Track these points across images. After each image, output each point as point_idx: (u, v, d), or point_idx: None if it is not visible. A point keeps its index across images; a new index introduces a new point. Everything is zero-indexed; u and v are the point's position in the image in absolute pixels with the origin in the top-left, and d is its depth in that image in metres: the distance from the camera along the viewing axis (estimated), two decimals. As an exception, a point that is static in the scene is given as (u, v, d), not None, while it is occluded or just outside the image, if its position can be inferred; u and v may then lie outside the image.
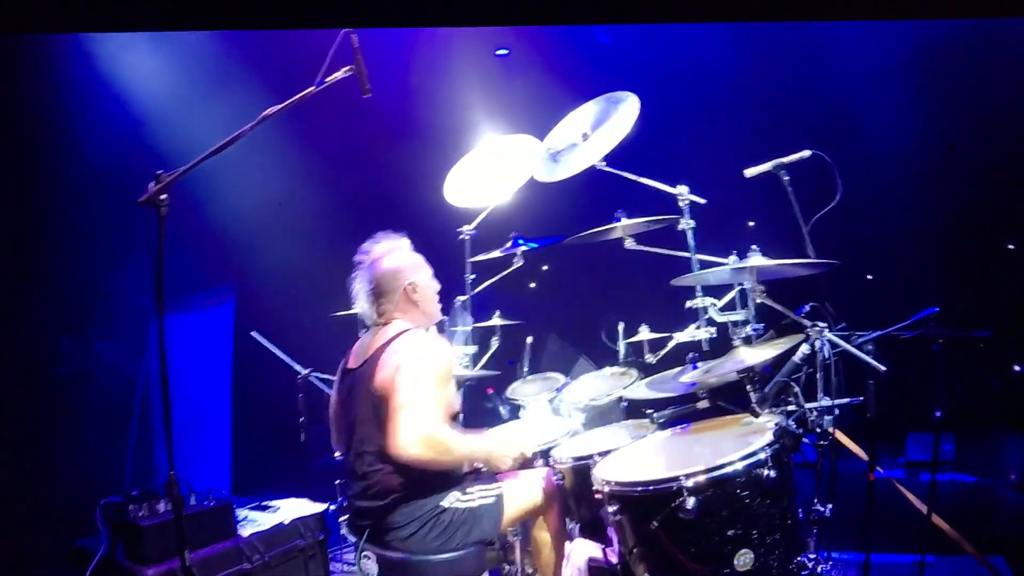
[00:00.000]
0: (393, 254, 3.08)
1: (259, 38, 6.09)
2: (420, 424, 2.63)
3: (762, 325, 3.11)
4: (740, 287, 3.24)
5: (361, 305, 3.07)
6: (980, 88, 5.98)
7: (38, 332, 6.22)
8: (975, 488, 5.62)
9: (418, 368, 2.74)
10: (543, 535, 3.09)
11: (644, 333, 3.75)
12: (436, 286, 3.19)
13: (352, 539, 3.89)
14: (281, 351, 4.85)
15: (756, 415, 2.48)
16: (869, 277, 6.92)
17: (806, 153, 3.35)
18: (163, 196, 2.41)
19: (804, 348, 2.36)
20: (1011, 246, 6.83)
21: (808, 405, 2.44)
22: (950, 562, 3.90)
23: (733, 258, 3.03)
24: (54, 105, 5.95)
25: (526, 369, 4.28)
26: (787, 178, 3.36)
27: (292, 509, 3.80)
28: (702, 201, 3.48)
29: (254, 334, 4.96)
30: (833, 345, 2.59)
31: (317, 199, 6.62)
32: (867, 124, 6.22)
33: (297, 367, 4.70)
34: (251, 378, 6.26)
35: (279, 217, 6.42)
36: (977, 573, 3.76)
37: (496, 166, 4.06)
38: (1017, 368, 6.77)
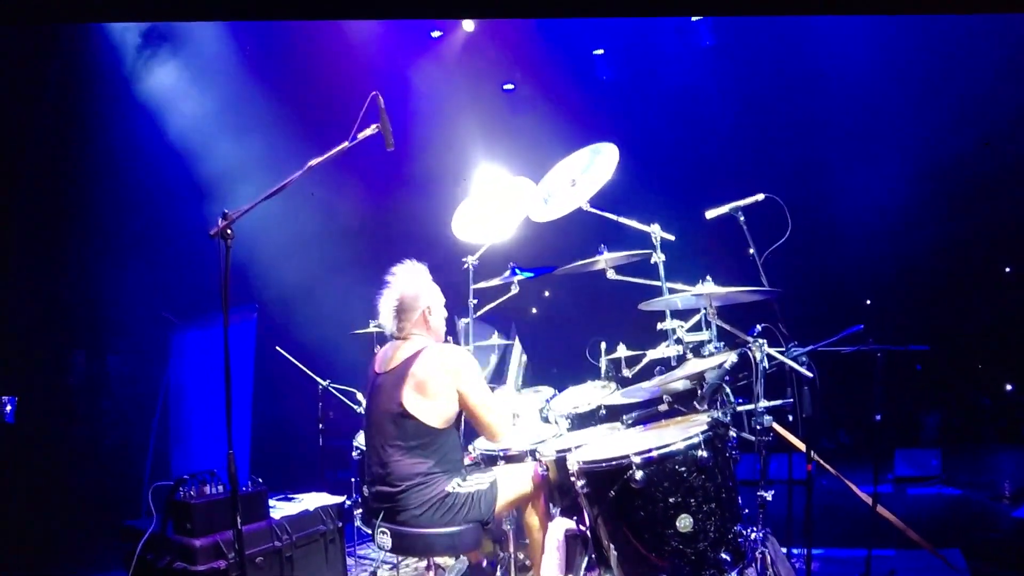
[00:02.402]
0: (417, 280, 3.67)
1: (295, 87, 6.78)
2: (502, 415, 3.47)
3: (722, 343, 3.68)
4: (705, 311, 3.81)
5: (384, 318, 3.66)
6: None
7: (53, 345, 6.74)
8: (959, 500, 5.98)
9: (472, 374, 3.43)
10: (532, 520, 3.59)
11: (622, 351, 4.24)
12: (445, 314, 3.79)
13: (367, 531, 4.43)
14: (302, 365, 5.40)
15: (699, 412, 3.07)
16: (868, 302, 7.50)
17: (760, 196, 3.92)
18: (229, 231, 2.97)
19: (732, 358, 2.94)
20: (1008, 269, 7.37)
21: (746, 408, 3.01)
22: (908, 555, 4.32)
23: (697, 285, 3.59)
24: (88, 130, 6.55)
25: (520, 382, 4.82)
26: (743, 218, 3.94)
27: (314, 500, 4.30)
28: (671, 238, 4.05)
29: (278, 348, 5.50)
30: (771, 357, 3.16)
31: (336, 229, 7.22)
32: (831, 168, 6.91)
33: (317, 379, 5.24)
34: (272, 389, 6.78)
35: (300, 245, 7.01)
36: (930, 563, 4.17)
37: (497, 206, 4.64)
38: (1009, 387, 7.26)
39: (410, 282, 3.65)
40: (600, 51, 7.80)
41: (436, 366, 3.38)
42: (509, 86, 8.00)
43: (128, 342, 7.63)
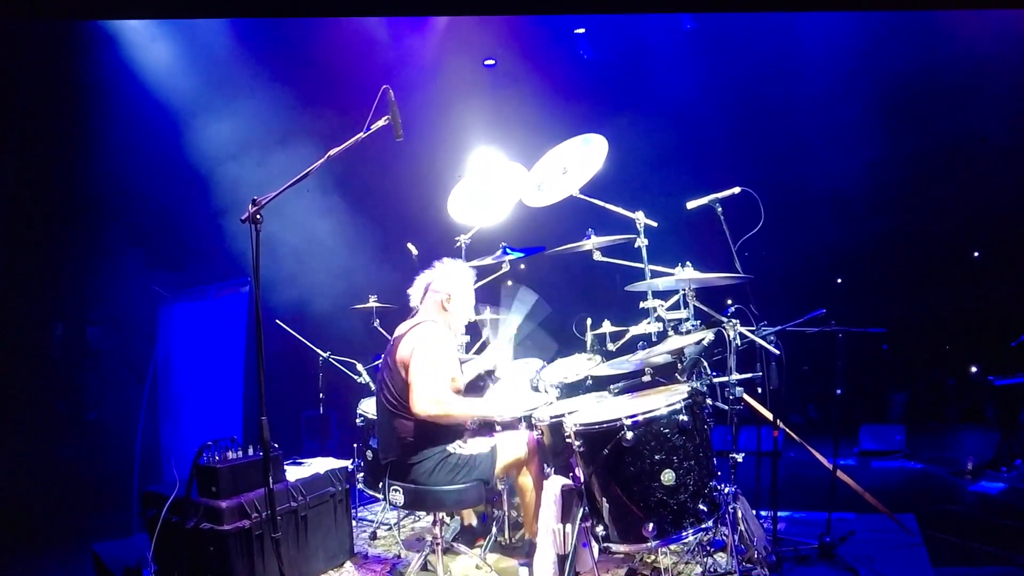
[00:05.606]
0: (452, 273, 4.04)
1: (282, 63, 6.95)
2: (429, 389, 3.60)
3: (699, 322, 4.06)
4: (684, 292, 4.18)
5: (415, 290, 4.06)
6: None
7: (34, 317, 6.79)
8: (920, 474, 6.36)
9: (425, 349, 3.69)
10: (527, 481, 3.98)
11: (607, 326, 4.63)
12: (469, 315, 4.11)
13: (369, 493, 4.79)
14: (300, 337, 5.66)
15: (679, 382, 3.48)
16: (839, 280, 7.91)
17: (736, 190, 4.26)
18: (259, 215, 3.23)
19: (710, 335, 3.35)
20: (976, 254, 7.79)
21: (720, 380, 3.42)
22: (867, 519, 4.71)
23: (678, 269, 3.95)
24: (75, 100, 6.60)
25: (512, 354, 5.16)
26: (720, 209, 4.28)
27: (321, 464, 4.62)
28: (654, 224, 4.39)
29: (278, 321, 5.76)
30: (742, 335, 3.57)
31: (333, 201, 7.42)
32: (805, 152, 7.30)
33: (318, 350, 5.53)
34: (268, 362, 6.97)
35: (295, 221, 7.20)
36: (885, 526, 4.54)
37: (491, 190, 4.95)
38: (974, 369, 7.72)
39: (447, 273, 4.03)
40: (581, 30, 8.03)
41: (411, 339, 3.76)
42: (490, 61, 8.15)
43: (110, 313, 7.71)
